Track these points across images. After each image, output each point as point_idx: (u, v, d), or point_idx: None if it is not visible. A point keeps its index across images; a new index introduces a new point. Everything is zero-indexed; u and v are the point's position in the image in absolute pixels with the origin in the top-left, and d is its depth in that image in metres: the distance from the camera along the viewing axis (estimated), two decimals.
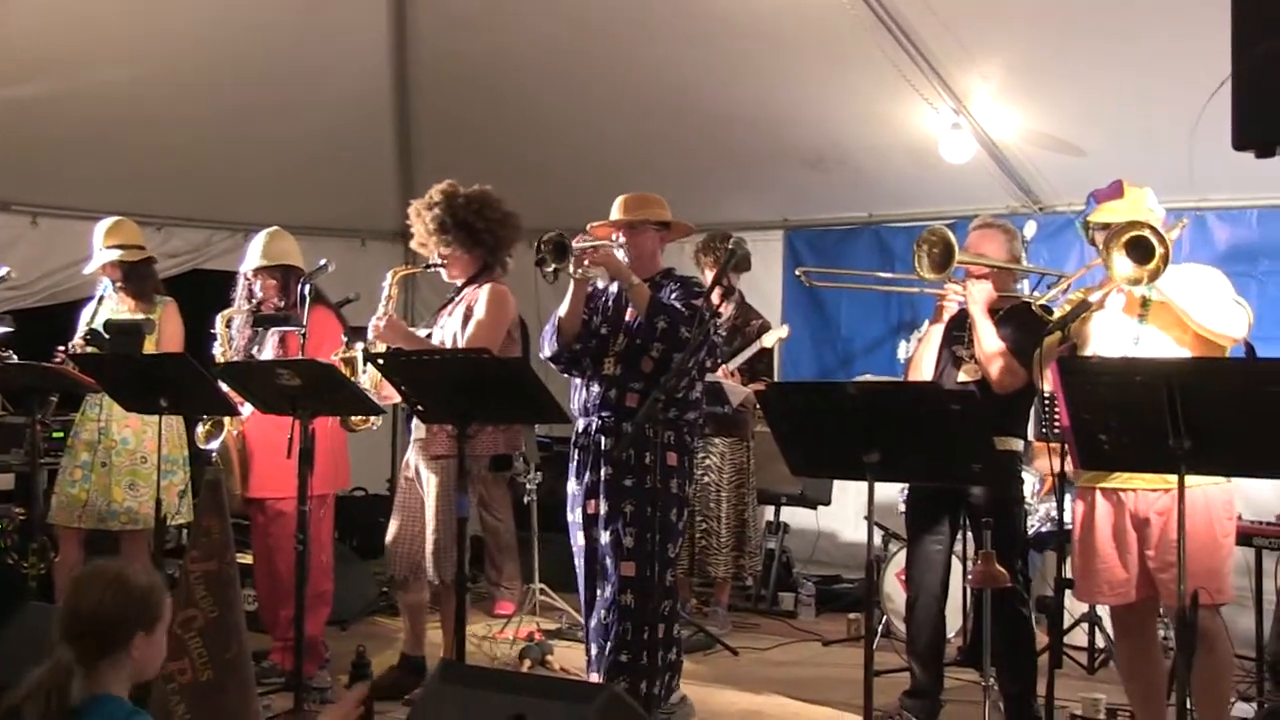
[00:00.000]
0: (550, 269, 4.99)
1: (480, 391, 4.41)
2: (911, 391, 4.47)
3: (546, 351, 5.29)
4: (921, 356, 5.34)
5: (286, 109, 7.94)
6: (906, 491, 5.56)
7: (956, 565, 5.50)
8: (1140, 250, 4.22)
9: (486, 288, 5.49)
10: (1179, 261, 4.47)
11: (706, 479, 7.12)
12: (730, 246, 5.39)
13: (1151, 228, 4.23)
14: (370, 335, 5.41)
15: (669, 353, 4.96)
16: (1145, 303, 4.45)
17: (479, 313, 5.42)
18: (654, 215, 5.33)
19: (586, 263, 5.07)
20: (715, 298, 5.52)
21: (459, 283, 5.64)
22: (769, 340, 7.24)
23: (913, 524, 5.37)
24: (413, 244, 5.69)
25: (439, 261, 5.60)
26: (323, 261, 5.66)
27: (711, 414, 6.81)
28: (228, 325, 5.99)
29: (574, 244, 5.02)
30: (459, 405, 4.49)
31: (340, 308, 6.04)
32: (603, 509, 5.14)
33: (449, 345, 5.44)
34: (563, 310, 5.23)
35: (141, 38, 7.05)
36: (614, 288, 5.31)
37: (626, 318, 5.21)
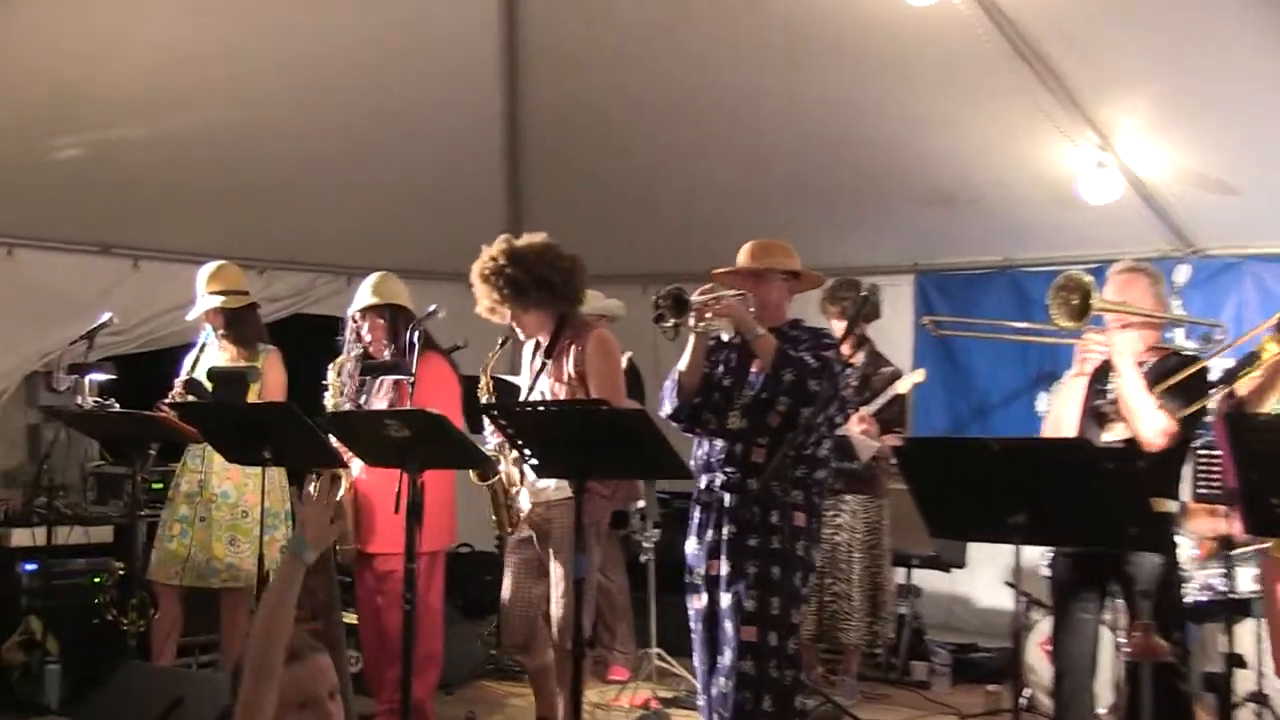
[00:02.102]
0: (669, 324, 4.99)
1: (597, 445, 4.38)
2: (1060, 448, 4.34)
3: (666, 409, 5.27)
4: (1061, 413, 5.18)
5: (393, 149, 8.03)
6: (1050, 555, 5.41)
7: (1107, 636, 5.34)
8: None
9: (591, 340, 5.44)
10: None
11: (838, 538, 7.00)
12: (864, 294, 5.31)
13: None
14: (489, 436, 5.48)
15: (796, 407, 4.93)
16: None
17: (596, 368, 5.38)
18: (781, 264, 5.29)
19: (709, 315, 5.05)
20: (846, 349, 5.45)
21: (539, 339, 5.61)
22: (903, 386, 7.11)
23: (1059, 590, 5.21)
24: (479, 310, 5.58)
25: (512, 329, 5.57)
26: (433, 307, 5.63)
27: (840, 469, 6.73)
28: (339, 374, 5.96)
29: (693, 297, 5.00)
30: (575, 459, 4.47)
31: (449, 354, 6.05)
32: (724, 570, 5.08)
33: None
34: (683, 365, 5.21)
35: (244, 79, 7.17)
36: (737, 339, 5.27)
37: (752, 370, 5.18)
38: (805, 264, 5.39)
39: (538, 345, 5.61)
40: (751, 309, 5.12)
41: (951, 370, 8.61)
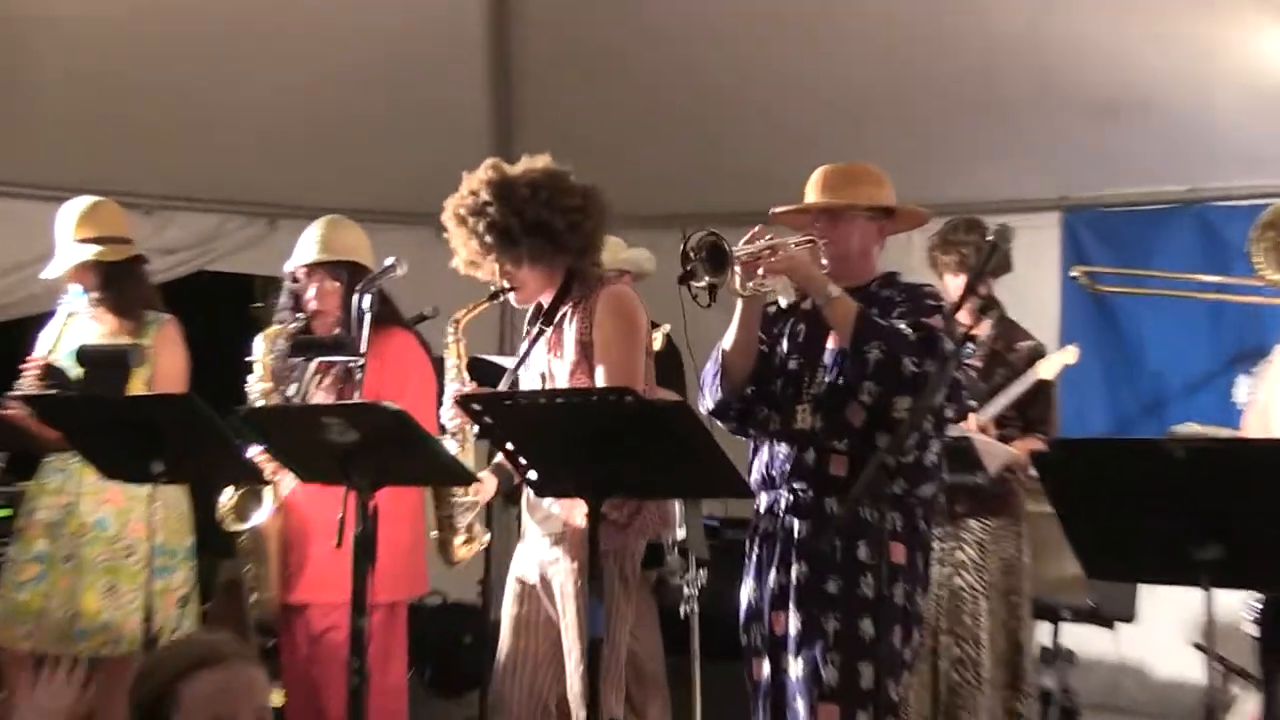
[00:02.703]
0: (702, 284, 4.86)
1: (622, 451, 4.34)
2: (1271, 452, 4.33)
3: (708, 402, 5.24)
4: (1272, 402, 5.21)
5: (335, 44, 8.05)
6: (1257, 604, 5.41)
7: None
8: None
9: (602, 298, 5.38)
10: None
11: (958, 581, 6.94)
12: (990, 238, 5.19)
13: None
14: (446, 415, 5.46)
15: (887, 397, 4.85)
16: None
17: (604, 335, 5.32)
18: (867, 197, 5.22)
19: (761, 272, 4.97)
20: (965, 315, 5.40)
21: (543, 302, 5.53)
22: (1048, 369, 7.04)
23: (1270, 654, 5.22)
24: (456, 264, 5.51)
25: (505, 286, 5.47)
26: (390, 261, 5.62)
27: (960, 486, 6.70)
28: (273, 351, 5.97)
29: (738, 247, 4.93)
30: (588, 472, 4.45)
31: (414, 327, 6.05)
32: (794, 626, 5.06)
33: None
34: (727, 342, 5.17)
35: None
36: (807, 304, 5.25)
37: (828, 346, 5.14)
38: (904, 197, 5.35)
39: (538, 308, 5.57)
40: (824, 262, 5.11)
41: (1114, 345, 8.63)
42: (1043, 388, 7.12)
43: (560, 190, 5.38)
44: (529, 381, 5.51)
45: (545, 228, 5.34)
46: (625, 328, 5.36)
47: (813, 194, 5.29)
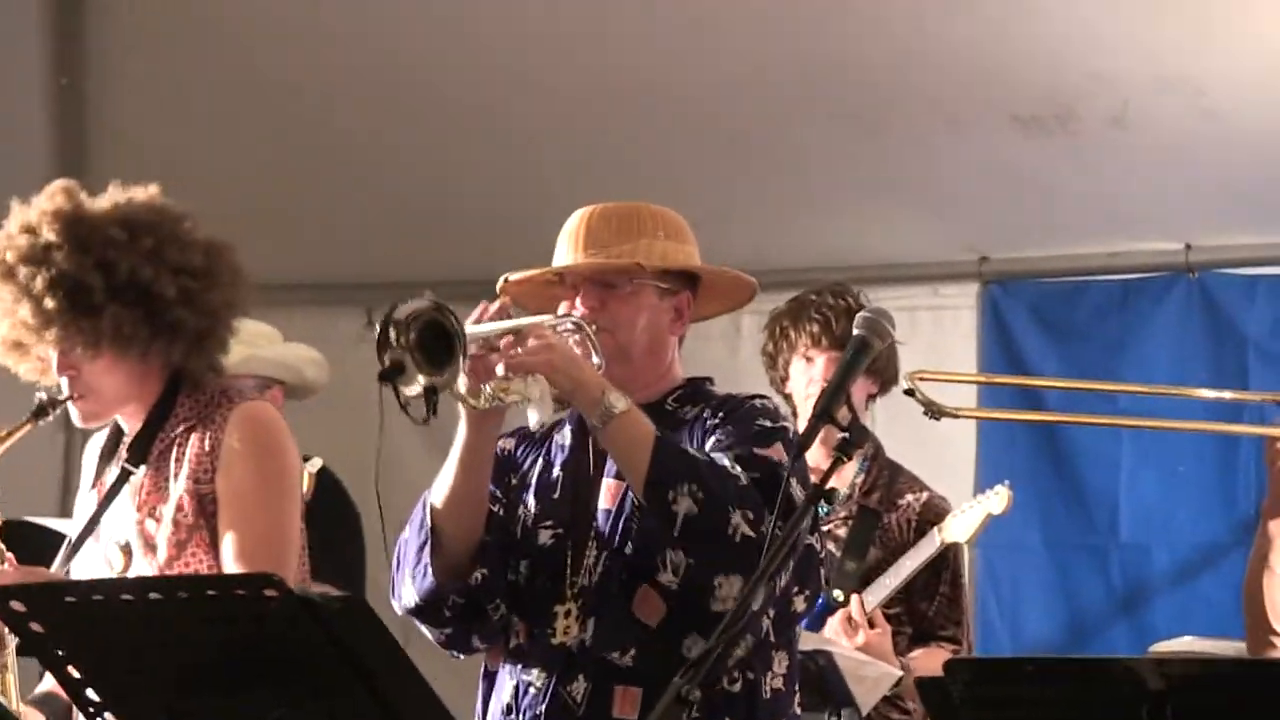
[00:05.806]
0: (414, 391, 4.68)
1: (256, 678, 4.27)
2: None
3: (409, 593, 5.12)
4: None
5: None
6: None
7: None
8: None
9: (233, 421, 5.43)
10: None
11: None
12: (859, 331, 4.82)
13: None
14: None
15: (704, 576, 4.75)
16: None
17: (236, 484, 5.36)
18: (662, 254, 5.19)
19: (502, 370, 4.83)
20: (819, 451, 5.28)
21: (124, 425, 5.57)
22: (958, 529, 7.09)
23: None
24: None
25: (63, 393, 5.49)
26: None
27: None
28: None
29: (474, 326, 4.77)
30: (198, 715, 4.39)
31: None
32: None
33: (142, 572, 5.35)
34: (440, 491, 5.03)
35: None
36: (566, 433, 5.23)
37: (600, 499, 5.07)
38: (721, 260, 5.36)
39: (115, 434, 5.61)
40: (596, 360, 5.02)
41: (1065, 499, 8.81)
42: (947, 563, 7.16)
43: (171, 239, 5.44)
44: (98, 561, 5.52)
45: (144, 292, 5.35)
46: (270, 471, 5.46)
47: (570, 250, 5.17)
